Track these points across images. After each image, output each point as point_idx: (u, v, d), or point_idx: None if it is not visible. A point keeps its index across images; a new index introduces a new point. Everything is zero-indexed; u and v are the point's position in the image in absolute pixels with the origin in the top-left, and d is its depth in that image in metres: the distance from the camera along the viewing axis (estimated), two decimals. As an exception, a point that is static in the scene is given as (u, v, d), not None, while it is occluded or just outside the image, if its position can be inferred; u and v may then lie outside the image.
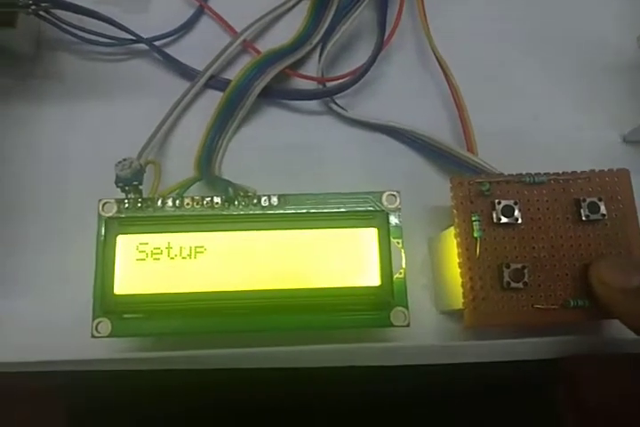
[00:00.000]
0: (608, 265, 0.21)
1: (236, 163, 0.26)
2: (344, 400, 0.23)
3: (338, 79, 0.26)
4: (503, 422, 0.23)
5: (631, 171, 0.23)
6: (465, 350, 0.23)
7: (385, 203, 0.22)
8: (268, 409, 0.24)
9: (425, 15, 0.27)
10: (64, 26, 0.26)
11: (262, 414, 0.24)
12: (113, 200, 0.22)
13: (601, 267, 0.21)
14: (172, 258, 0.21)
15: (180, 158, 0.26)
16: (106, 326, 0.21)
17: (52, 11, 0.26)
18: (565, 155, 0.26)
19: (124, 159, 0.22)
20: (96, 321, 0.21)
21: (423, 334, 0.24)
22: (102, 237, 0.21)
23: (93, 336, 0.21)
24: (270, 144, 0.26)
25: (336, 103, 0.27)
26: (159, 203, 0.22)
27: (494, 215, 0.22)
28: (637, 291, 0.20)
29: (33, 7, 0.25)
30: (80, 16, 0.26)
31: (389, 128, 0.26)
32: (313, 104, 0.27)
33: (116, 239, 0.21)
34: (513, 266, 0.22)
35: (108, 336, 0.21)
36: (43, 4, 0.25)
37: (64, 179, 0.26)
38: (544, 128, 0.27)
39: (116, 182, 0.22)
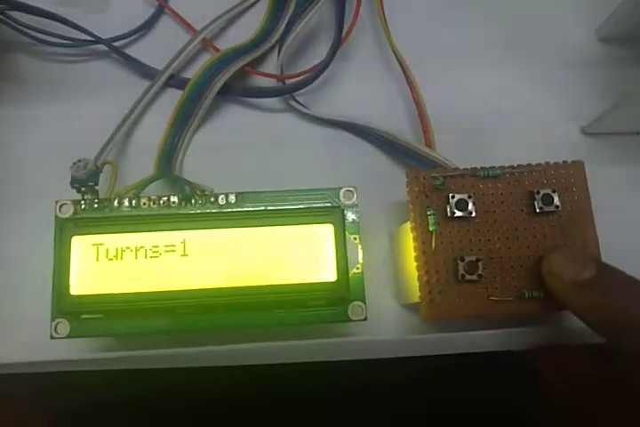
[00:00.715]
0: (559, 257, 0.21)
1: (196, 161, 0.26)
2: (305, 396, 0.24)
3: (297, 76, 0.27)
4: (464, 414, 0.24)
5: (591, 163, 0.23)
6: (422, 343, 0.23)
7: (342, 199, 0.23)
8: (226, 408, 0.24)
9: (383, 11, 0.27)
10: (21, 28, 0.26)
11: (220, 412, 0.24)
12: (69, 201, 0.22)
13: (552, 259, 0.21)
14: (128, 258, 0.21)
15: (141, 158, 0.26)
16: (64, 326, 0.21)
17: (9, 13, 0.26)
18: (525, 148, 0.26)
19: (79, 160, 0.22)
20: (55, 322, 0.21)
21: (385, 327, 0.24)
22: (58, 239, 0.21)
23: (52, 337, 0.21)
24: (231, 142, 0.26)
25: (296, 100, 0.27)
26: (115, 203, 0.22)
27: (448, 209, 0.22)
28: (587, 283, 0.20)
29: (-11, 9, 0.25)
30: (38, 18, 0.26)
31: (349, 124, 0.27)
32: (273, 101, 0.27)
33: (71, 240, 0.21)
34: (467, 259, 0.22)
35: (67, 337, 0.21)
36: (-1, 6, 0.25)
37: (22, 180, 0.26)
38: (503, 122, 0.27)
39: (72, 183, 0.22)
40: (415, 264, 0.22)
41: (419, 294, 0.22)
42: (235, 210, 0.22)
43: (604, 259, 0.23)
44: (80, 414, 0.24)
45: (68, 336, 0.21)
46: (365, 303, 0.22)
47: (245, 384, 0.24)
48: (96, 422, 0.24)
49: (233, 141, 0.26)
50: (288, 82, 0.27)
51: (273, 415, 0.24)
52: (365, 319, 0.22)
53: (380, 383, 0.24)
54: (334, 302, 0.21)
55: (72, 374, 0.22)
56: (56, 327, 0.21)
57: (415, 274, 0.22)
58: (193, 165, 0.26)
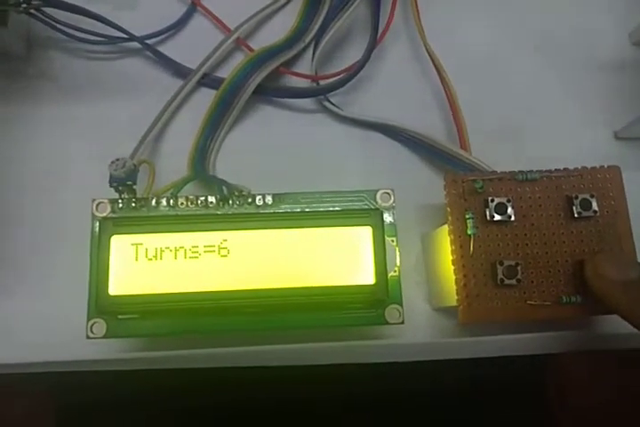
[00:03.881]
0: (605, 259, 0.22)
1: (229, 162, 0.26)
2: (340, 397, 0.24)
3: (331, 77, 0.26)
4: (497, 416, 0.24)
5: (623, 167, 0.23)
6: (457, 346, 0.23)
7: (379, 201, 0.22)
8: (265, 407, 0.24)
9: (418, 12, 0.27)
10: (55, 24, 0.26)
11: (260, 412, 0.24)
12: (107, 200, 0.22)
13: (598, 261, 0.21)
14: (167, 258, 0.21)
15: (175, 157, 0.25)
16: (100, 326, 0.21)
17: (43, 9, 0.26)
18: (558, 152, 0.26)
19: (118, 159, 0.22)
20: (91, 322, 0.21)
21: (418, 330, 0.24)
22: (96, 238, 0.21)
23: (88, 337, 0.21)
24: (264, 142, 0.26)
25: (330, 101, 0.27)
26: (153, 203, 0.22)
27: (487, 213, 0.22)
28: (635, 283, 0.20)
29: (24, 6, 0.25)
30: (72, 14, 0.26)
31: (383, 126, 0.26)
32: (307, 102, 0.27)
33: (110, 240, 0.21)
34: (506, 263, 0.22)
35: (102, 337, 0.21)
36: (34, 3, 0.25)
37: (58, 178, 0.25)
38: (536, 126, 0.27)
39: (110, 182, 0.22)
40: (452, 268, 0.22)
41: (456, 297, 0.22)
42: (272, 211, 0.22)
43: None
44: (87, 412, 0.24)
45: (105, 336, 0.21)
46: (402, 307, 0.22)
47: (276, 385, 0.24)
48: (103, 421, 0.24)
49: (266, 142, 0.26)
50: (322, 82, 0.27)
51: (303, 416, 0.24)
52: (402, 322, 0.21)
53: (415, 386, 0.24)
54: (372, 304, 0.21)
55: (81, 374, 0.22)
56: (92, 327, 0.21)
57: (452, 277, 0.22)
58: (226, 166, 0.26)
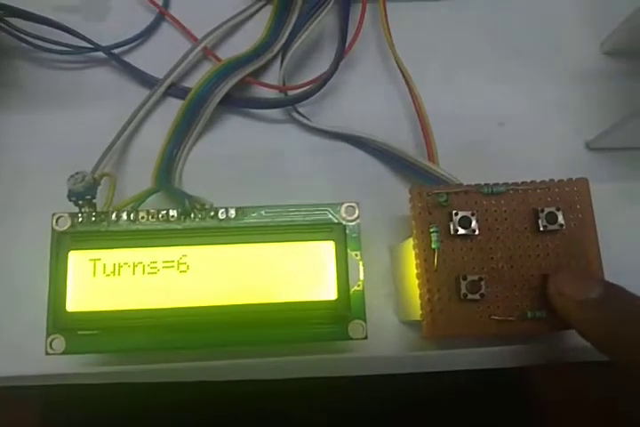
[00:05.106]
0: (566, 277, 0.21)
1: (196, 172, 0.26)
2: (304, 411, 0.23)
3: (299, 88, 0.26)
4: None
5: (595, 178, 0.23)
6: (425, 359, 0.23)
7: (344, 214, 0.22)
8: (228, 422, 0.24)
9: (387, 22, 0.27)
10: (20, 34, 0.26)
11: (223, 426, 0.24)
12: (67, 214, 0.22)
13: (559, 278, 0.21)
14: (125, 274, 0.21)
15: (140, 168, 0.25)
16: (60, 342, 0.21)
17: (7, 19, 0.25)
18: (529, 163, 0.26)
19: (77, 173, 0.22)
20: (50, 338, 0.21)
21: (384, 344, 0.24)
22: (55, 252, 0.21)
23: (47, 353, 0.21)
24: (231, 153, 0.26)
25: (298, 112, 0.27)
26: (113, 217, 0.22)
27: (451, 226, 0.22)
28: (595, 302, 0.20)
29: (-14, 16, 0.25)
30: (37, 24, 0.26)
31: (352, 137, 0.26)
32: (275, 113, 0.27)
33: (67, 255, 0.21)
34: (470, 278, 0.21)
35: (62, 353, 0.21)
36: (-3, 13, 0.25)
37: (19, 190, 0.25)
38: (506, 137, 0.27)
39: (69, 197, 0.22)
40: (417, 282, 0.22)
41: (420, 312, 0.22)
42: (234, 225, 0.22)
43: (607, 276, 0.22)
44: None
45: (64, 353, 0.21)
46: (366, 322, 0.21)
47: (242, 400, 0.24)
48: None
49: (233, 153, 0.26)
50: (290, 93, 0.27)
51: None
52: (366, 338, 0.21)
53: (379, 400, 0.24)
54: (334, 320, 0.21)
55: (65, 388, 0.22)
56: (51, 343, 0.21)
57: (417, 291, 0.22)
58: (192, 177, 0.25)
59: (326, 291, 0.21)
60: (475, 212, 0.22)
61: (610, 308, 0.20)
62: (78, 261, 0.21)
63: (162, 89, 0.26)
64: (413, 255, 0.22)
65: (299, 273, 0.21)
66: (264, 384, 0.22)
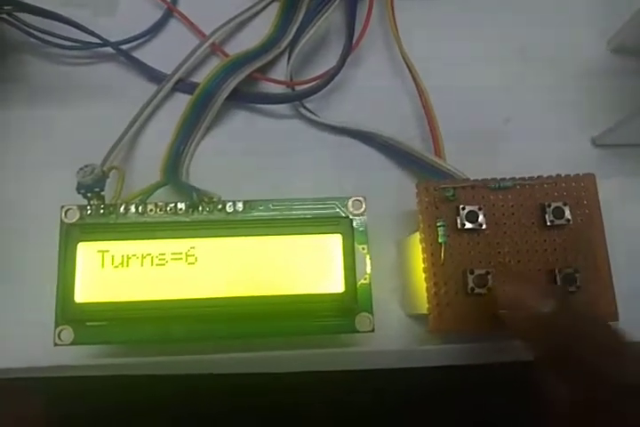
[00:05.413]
0: (513, 292, 0.20)
1: (203, 167, 0.26)
2: (310, 404, 0.24)
3: (307, 83, 0.26)
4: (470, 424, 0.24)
5: (601, 174, 0.23)
6: (427, 353, 0.23)
7: (351, 208, 0.22)
8: (236, 414, 0.24)
9: (394, 18, 0.27)
10: (29, 29, 0.26)
11: (232, 418, 0.24)
12: (75, 206, 0.22)
13: (506, 293, 0.20)
14: (134, 265, 0.21)
15: (148, 163, 0.25)
16: (68, 333, 0.21)
17: (16, 14, 0.25)
18: (535, 158, 0.26)
19: (86, 166, 0.22)
20: (58, 329, 0.21)
21: (390, 338, 0.24)
22: (63, 245, 0.21)
23: (56, 344, 0.21)
24: (238, 148, 0.26)
25: (305, 107, 0.27)
26: (122, 209, 0.22)
27: (459, 221, 0.22)
28: (541, 320, 0.19)
29: (-4, 10, 0.25)
30: (46, 19, 0.26)
31: (358, 132, 0.26)
32: (282, 108, 0.27)
33: (76, 246, 0.21)
34: (477, 272, 0.22)
35: (70, 344, 0.21)
36: (6, 8, 0.25)
37: (28, 184, 0.25)
38: (513, 132, 0.27)
39: (78, 189, 0.22)
40: (424, 276, 0.22)
41: (426, 305, 0.22)
42: (242, 218, 0.22)
43: (614, 272, 0.22)
44: (78, 419, 0.24)
45: (72, 343, 0.21)
46: (373, 314, 0.21)
47: (246, 392, 0.24)
48: None
49: (240, 148, 0.26)
50: (297, 88, 0.27)
51: (274, 425, 0.24)
52: (373, 331, 0.21)
53: (385, 394, 0.24)
54: (341, 313, 0.21)
55: (71, 380, 0.22)
56: (59, 334, 0.21)
57: (423, 285, 0.22)
58: (199, 172, 0.25)
59: (334, 284, 0.21)
60: (482, 206, 0.22)
61: (556, 327, 0.19)
62: (87, 252, 0.21)
63: (170, 84, 0.26)
64: (420, 249, 0.22)
65: (306, 266, 0.21)
66: (270, 377, 0.22)
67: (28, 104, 0.26)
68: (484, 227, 0.22)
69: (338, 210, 0.22)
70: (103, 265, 0.21)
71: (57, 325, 0.21)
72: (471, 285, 0.21)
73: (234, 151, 0.26)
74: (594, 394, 0.18)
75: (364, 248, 0.22)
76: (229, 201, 0.22)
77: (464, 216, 0.22)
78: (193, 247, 0.21)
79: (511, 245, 0.22)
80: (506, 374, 0.23)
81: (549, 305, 0.19)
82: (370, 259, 0.22)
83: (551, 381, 0.19)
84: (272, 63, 0.27)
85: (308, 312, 0.21)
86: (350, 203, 0.22)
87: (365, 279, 0.22)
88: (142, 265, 0.21)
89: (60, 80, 0.27)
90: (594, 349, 0.19)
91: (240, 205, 0.22)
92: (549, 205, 0.22)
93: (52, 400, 0.24)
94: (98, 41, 0.27)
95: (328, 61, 0.27)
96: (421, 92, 0.26)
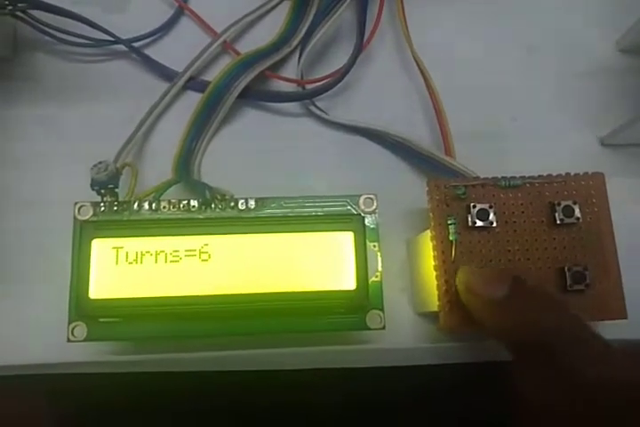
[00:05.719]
0: (471, 275, 0.21)
1: (214, 165, 0.26)
2: (321, 402, 0.24)
3: (317, 81, 0.26)
4: (477, 423, 0.24)
5: (609, 173, 0.23)
6: (436, 351, 0.23)
7: (362, 206, 0.23)
8: (247, 412, 0.24)
9: (404, 17, 0.27)
10: (41, 26, 0.26)
11: (241, 416, 0.24)
12: (89, 203, 0.22)
13: (464, 277, 0.21)
14: (148, 262, 0.21)
15: (159, 160, 0.25)
16: (81, 329, 0.21)
17: (29, 11, 0.26)
18: (543, 157, 0.26)
19: (100, 162, 0.22)
20: (72, 325, 0.21)
21: (400, 335, 0.24)
22: (77, 241, 0.21)
23: (69, 340, 0.21)
24: (249, 146, 0.26)
25: (315, 105, 0.27)
26: (135, 206, 0.22)
27: (469, 219, 0.22)
28: (500, 303, 0.20)
29: (9, 8, 0.25)
30: (58, 17, 0.26)
31: (369, 131, 0.26)
32: (292, 106, 0.27)
33: (91, 243, 0.21)
34: (487, 269, 0.22)
35: (83, 340, 0.21)
36: (19, 5, 0.25)
37: (41, 180, 0.25)
38: (522, 131, 0.27)
39: (92, 186, 0.22)
40: (435, 273, 0.22)
41: (437, 303, 0.22)
42: (255, 215, 0.22)
43: (623, 270, 0.23)
44: (86, 416, 0.24)
45: (85, 340, 0.21)
46: (384, 312, 0.22)
47: (258, 390, 0.24)
48: (102, 425, 0.24)
49: (251, 146, 0.26)
50: (308, 87, 0.27)
51: (284, 422, 0.24)
52: (383, 328, 0.21)
53: (395, 392, 0.24)
54: (353, 310, 0.21)
55: (78, 377, 0.22)
56: (73, 331, 0.21)
57: (434, 283, 0.22)
58: (211, 169, 0.26)
59: (345, 281, 0.21)
60: (492, 204, 0.22)
61: (516, 310, 0.20)
62: (101, 248, 0.21)
63: (181, 82, 0.26)
64: (431, 247, 0.22)
65: (318, 263, 0.21)
66: (280, 374, 0.22)
67: (40, 101, 0.27)
68: (494, 225, 0.22)
69: (349, 207, 0.22)
70: (117, 262, 0.21)
71: (70, 321, 0.21)
72: (482, 282, 0.22)
73: (245, 149, 0.26)
74: (564, 387, 0.18)
75: (374, 246, 0.22)
76: (242, 198, 0.22)
77: (475, 214, 0.22)
78: (206, 244, 0.21)
79: (521, 243, 0.22)
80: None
81: (504, 289, 0.20)
82: (381, 256, 0.22)
83: (521, 374, 0.20)
84: (283, 61, 0.27)
85: (319, 309, 0.21)
86: (362, 200, 0.23)
87: (377, 277, 0.22)
88: (156, 262, 0.21)
89: (73, 77, 0.27)
90: (554, 334, 0.19)
91: (252, 203, 0.22)
92: (559, 204, 0.22)
93: (59, 397, 0.24)
94: (110, 38, 0.27)
95: (339, 60, 0.27)
96: (431, 91, 0.26)
